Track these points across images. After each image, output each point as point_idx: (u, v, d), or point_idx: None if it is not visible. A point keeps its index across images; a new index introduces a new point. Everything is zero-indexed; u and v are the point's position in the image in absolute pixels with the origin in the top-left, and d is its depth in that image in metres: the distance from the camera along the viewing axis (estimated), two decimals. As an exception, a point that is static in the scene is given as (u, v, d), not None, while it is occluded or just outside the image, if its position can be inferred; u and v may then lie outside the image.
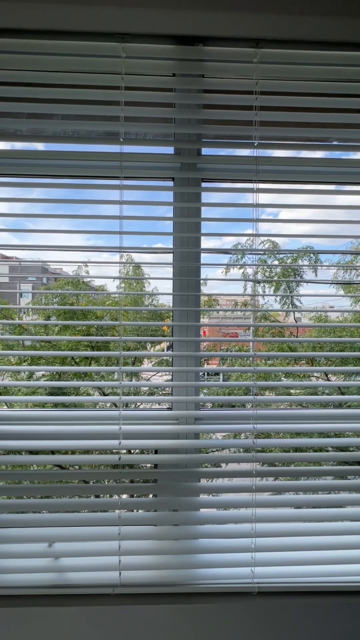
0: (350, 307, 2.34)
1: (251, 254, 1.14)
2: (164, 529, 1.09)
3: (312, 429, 1.10)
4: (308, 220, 1.13)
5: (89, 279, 2.43)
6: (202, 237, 1.15)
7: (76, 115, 1.08)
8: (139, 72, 1.07)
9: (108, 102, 1.07)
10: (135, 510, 1.10)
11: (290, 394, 1.84)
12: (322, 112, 1.11)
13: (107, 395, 2.10)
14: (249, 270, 1.15)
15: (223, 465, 1.37)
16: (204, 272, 1.16)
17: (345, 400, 1.20)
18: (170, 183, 1.16)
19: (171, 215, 1.14)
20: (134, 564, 1.04)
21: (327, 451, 1.34)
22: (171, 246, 1.15)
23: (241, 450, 1.12)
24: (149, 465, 1.32)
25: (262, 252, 1.78)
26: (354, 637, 1.07)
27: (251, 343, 1.12)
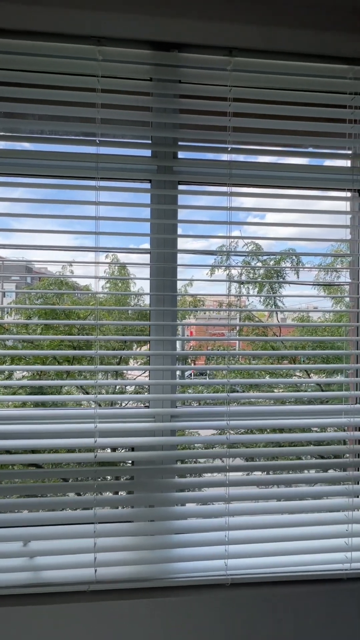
0: (331, 307, 2.41)
1: (234, 254, 1.17)
2: (140, 525, 1.10)
3: (291, 425, 1.14)
4: (286, 224, 1.17)
5: (74, 279, 2.42)
6: (189, 239, 1.18)
7: (53, 116, 1.09)
8: (115, 75, 1.08)
9: (85, 104, 1.08)
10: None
11: (272, 392, 1.91)
12: (293, 120, 1.15)
13: (89, 394, 2.11)
14: (234, 272, 1.18)
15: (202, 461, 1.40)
16: (190, 273, 1.19)
17: (319, 396, 1.24)
18: (148, 185, 1.19)
19: (148, 217, 1.16)
20: (110, 560, 1.05)
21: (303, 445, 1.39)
22: (147, 249, 1.18)
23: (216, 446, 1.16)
24: (129, 462, 1.33)
25: (246, 254, 1.82)
26: (324, 623, 1.11)
27: (237, 343, 1.15)
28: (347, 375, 1.30)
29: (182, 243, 1.19)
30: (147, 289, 1.45)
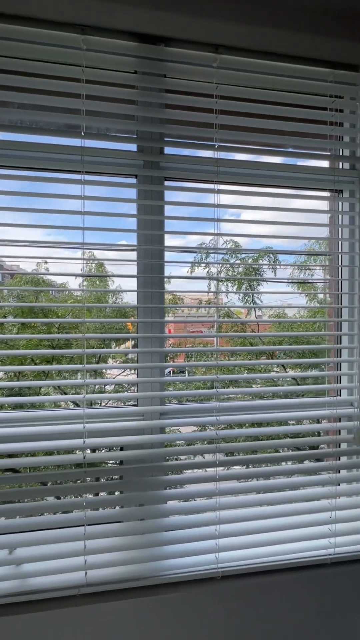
0: (305, 304, 2.50)
1: (215, 253, 1.17)
2: (130, 524, 1.09)
3: (271, 418, 1.17)
4: (267, 221, 1.19)
5: (50, 277, 2.34)
6: (166, 236, 1.17)
7: (35, 105, 1.04)
8: (100, 66, 1.05)
9: (69, 94, 1.04)
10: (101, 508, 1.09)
11: (251, 387, 1.95)
12: (278, 119, 1.17)
13: (67, 394, 2.05)
14: (213, 270, 1.19)
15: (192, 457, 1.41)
16: (168, 271, 1.18)
17: (301, 390, 1.28)
18: (133, 180, 1.17)
19: (134, 213, 1.14)
20: (101, 562, 1.03)
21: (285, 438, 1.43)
22: (135, 243, 1.16)
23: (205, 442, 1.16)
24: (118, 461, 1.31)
25: (225, 252, 1.83)
26: (312, 608, 1.16)
27: (215, 339, 1.16)
28: (323, 369, 1.36)
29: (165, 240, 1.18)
30: (124, 287, 1.43)
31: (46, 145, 1.04)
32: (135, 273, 1.14)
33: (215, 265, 1.19)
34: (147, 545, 1.07)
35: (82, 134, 1.05)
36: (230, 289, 2.35)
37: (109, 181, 1.13)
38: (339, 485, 1.23)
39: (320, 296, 2.47)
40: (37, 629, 0.98)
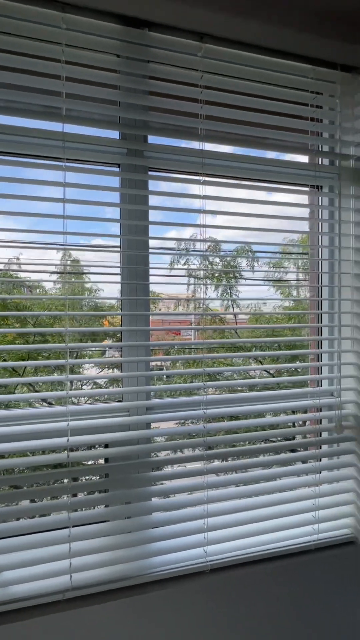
0: (280, 303, 2.55)
1: (196, 253, 1.16)
2: (116, 523, 1.06)
3: (255, 410, 1.18)
4: (253, 214, 1.19)
5: (24, 274, 2.22)
6: (151, 228, 1.14)
7: (12, 85, 0.97)
8: (81, 46, 1.00)
9: (49, 75, 0.99)
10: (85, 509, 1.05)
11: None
12: (261, 113, 1.18)
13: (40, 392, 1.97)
14: (194, 265, 1.18)
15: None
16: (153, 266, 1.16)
17: (286, 381, 1.30)
18: (116, 169, 1.13)
19: (116, 204, 1.10)
20: (86, 564, 0.99)
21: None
22: (116, 234, 1.12)
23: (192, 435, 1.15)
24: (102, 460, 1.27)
25: (209, 244, 1.82)
26: (300, 594, 1.18)
27: (193, 333, 1.16)
28: (305, 361, 1.39)
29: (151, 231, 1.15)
30: (102, 285, 1.39)
31: (26, 129, 0.98)
32: (118, 270, 1.11)
33: (199, 256, 1.17)
34: (135, 544, 1.05)
35: (63, 114, 1.00)
36: (209, 289, 2.37)
37: (92, 168, 1.08)
38: (320, 473, 1.26)
39: (302, 293, 2.54)
40: (22, 639, 0.93)
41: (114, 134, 1.11)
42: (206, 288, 1.17)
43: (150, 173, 1.15)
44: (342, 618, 1.25)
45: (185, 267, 1.21)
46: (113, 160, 1.11)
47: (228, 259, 1.46)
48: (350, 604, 1.26)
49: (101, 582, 1.00)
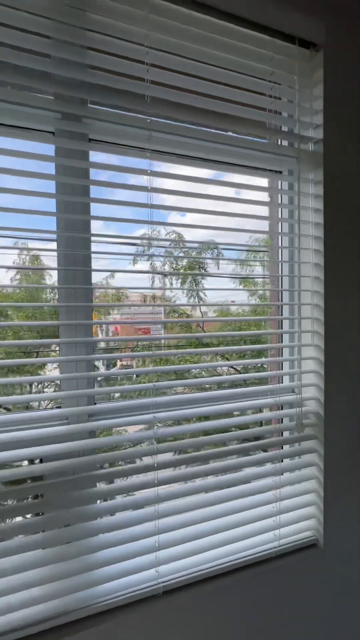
0: (247, 300, 2.49)
1: (156, 246, 1.04)
2: (53, 551, 0.90)
3: (220, 410, 1.08)
4: (208, 195, 1.08)
5: None
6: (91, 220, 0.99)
7: None
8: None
9: None
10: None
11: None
12: (215, 83, 1.07)
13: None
14: (157, 263, 1.05)
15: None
16: (106, 261, 1.02)
17: (244, 378, 1.22)
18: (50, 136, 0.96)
19: (51, 176, 0.94)
20: (11, 605, 0.83)
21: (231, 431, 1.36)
22: (51, 211, 0.96)
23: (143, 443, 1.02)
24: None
25: (167, 242, 1.69)
26: (263, 605, 1.10)
27: (162, 332, 1.03)
28: (266, 356, 1.31)
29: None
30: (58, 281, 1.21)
31: None
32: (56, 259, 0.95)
33: (158, 257, 1.05)
34: (74, 573, 0.90)
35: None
36: (174, 285, 2.24)
37: (21, 133, 0.91)
38: (282, 475, 1.19)
39: (264, 292, 2.50)
40: None
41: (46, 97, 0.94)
42: (153, 278, 1.04)
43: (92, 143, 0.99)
44: (309, 624, 1.19)
45: (133, 251, 1.07)
46: (46, 122, 0.93)
47: (173, 236, 1.33)
48: (316, 609, 1.20)
49: (30, 623, 0.84)
